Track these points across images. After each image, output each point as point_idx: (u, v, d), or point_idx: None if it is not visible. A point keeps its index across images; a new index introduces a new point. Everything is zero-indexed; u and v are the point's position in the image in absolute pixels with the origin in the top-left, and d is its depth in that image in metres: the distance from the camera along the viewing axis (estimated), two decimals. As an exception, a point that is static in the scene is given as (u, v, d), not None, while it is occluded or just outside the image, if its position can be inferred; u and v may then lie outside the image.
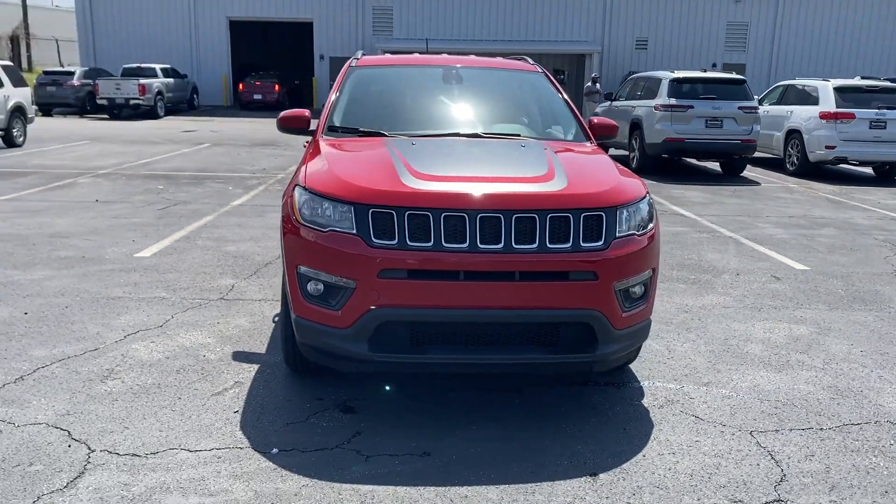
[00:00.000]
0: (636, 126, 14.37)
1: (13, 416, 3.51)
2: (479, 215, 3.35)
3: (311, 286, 3.49)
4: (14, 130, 16.22)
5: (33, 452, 3.18)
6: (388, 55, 5.46)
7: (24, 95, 16.65)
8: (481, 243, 3.33)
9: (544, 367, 3.59)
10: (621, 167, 4.09)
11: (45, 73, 28.43)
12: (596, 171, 3.89)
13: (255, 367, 4.22)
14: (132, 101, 26.37)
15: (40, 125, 20.21)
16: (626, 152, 14.94)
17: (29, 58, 42.59)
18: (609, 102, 16.63)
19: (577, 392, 4.02)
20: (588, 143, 4.60)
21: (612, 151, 15.19)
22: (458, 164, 3.86)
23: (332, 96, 4.78)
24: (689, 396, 4.00)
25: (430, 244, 3.32)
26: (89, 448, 3.23)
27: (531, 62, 5.37)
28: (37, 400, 3.70)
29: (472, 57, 5.73)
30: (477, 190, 3.41)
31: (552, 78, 5.21)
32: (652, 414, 3.78)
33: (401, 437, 3.44)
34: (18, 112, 16.41)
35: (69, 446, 3.25)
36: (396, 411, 3.72)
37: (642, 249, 3.61)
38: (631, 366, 4.35)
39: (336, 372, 3.86)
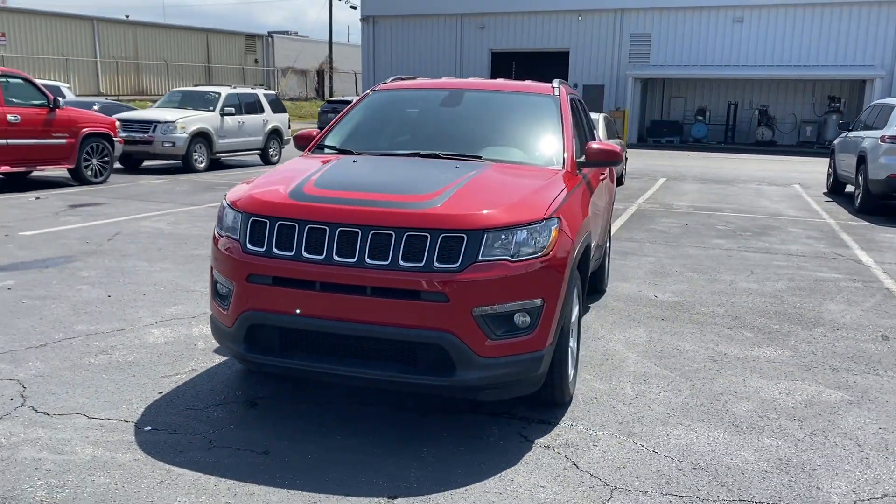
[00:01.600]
0: (861, 160, 12.68)
1: (4, 369, 4.32)
2: (339, 229, 3.46)
3: (217, 286, 3.86)
4: (270, 150, 18.81)
5: (-14, 400, 3.92)
6: (418, 80, 5.61)
7: (281, 120, 19.23)
8: (338, 256, 3.44)
9: (404, 385, 3.55)
10: (552, 192, 3.89)
11: (328, 101, 32.28)
12: (499, 195, 3.75)
13: (223, 360, 4.66)
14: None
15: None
16: (852, 188, 13.25)
17: (331, 88, 48.43)
18: (845, 133, 14.82)
19: (476, 419, 3.88)
20: (559, 168, 4.41)
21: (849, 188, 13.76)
22: (365, 182, 3.95)
23: (339, 118, 5.12)
24: (593, 443, 3.67)
25: (291, 254, 3.51)
26: (22, 402, 3.90)
27: (555, 85, 5.21)
28: (32, 362, 4.49)
29: (494, 81, 5.69)
30: (345, 205, 3.53)
31: (567, 101, 5.03)
32: (528, 453, 3.54)
33: (256, 433, 3.64)
34: (275, 134, 19.01)
35: (11, 399, 3.93)
36: (289, 411, 3.92)
37: (519, 276, 3.44)
38: (579, 404, 4.08)
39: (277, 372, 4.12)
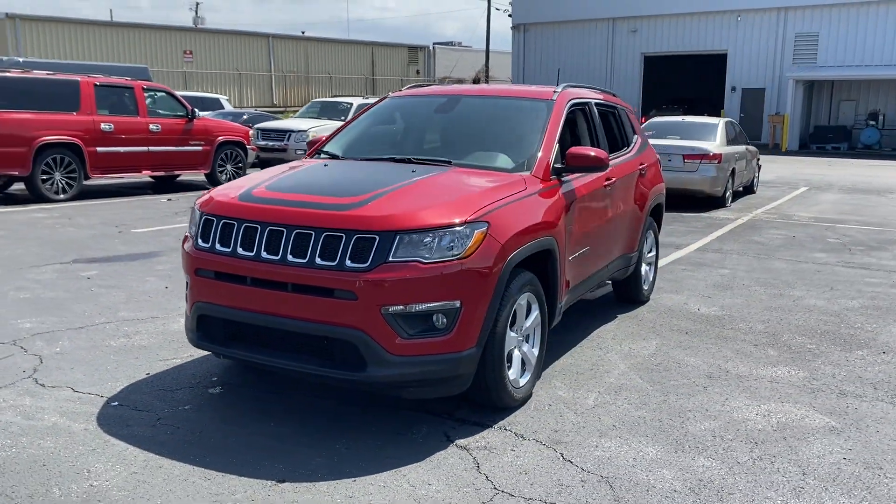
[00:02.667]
0: None
1: (35, 346, 4.94)
2: (268, 228, 3.71)
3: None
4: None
5: (6, 359, 4.51)
6: (432, 87, 5.71)
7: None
8: (265, 253, 3.68)
9: (325, 378, 3.71)
10: (490, 197, 3.91)
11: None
12: (431, 198, 3.82)
13: (223, 348, 5.03)
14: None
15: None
16: None
17: (487, 96, 49.20)
18: None
19: (413, 417, 3.96)
20: (525, 173, 4.38)
21: None
22: (310, 186, 4.12)
23: (348, 123, 5.37)
24: (511, 449, 3.65)
25: (229, 250, 3.79)
26: (31, 374, 4.45)
27: (556, 90, 5.14)
28: (63, 341, 5.09)
29: (499, 87, 5.68)
30: (277, 206, 3.76)
31: (563, 107, 4.96)
32: (440, 452, 3.59)
33: (202, 415, 3.95)
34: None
35: (23, 371, 4.51)
36: (246, 397, 4.20)
37: (431, 277, 3.51)
38: (528, 409, 4.06)
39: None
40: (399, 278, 3.48)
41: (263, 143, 16.99)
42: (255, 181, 4.23)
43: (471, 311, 3.64)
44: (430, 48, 55.46)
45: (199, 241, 3.95)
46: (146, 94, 13.23)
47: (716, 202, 13.03)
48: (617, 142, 6.06)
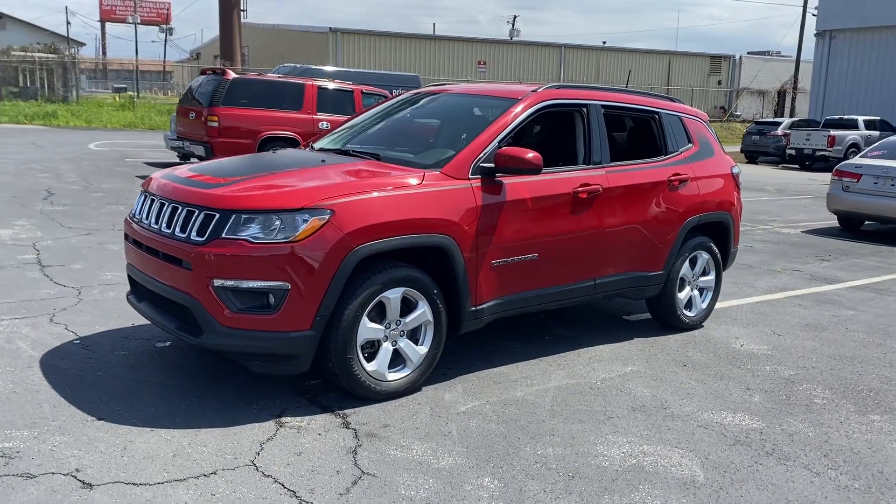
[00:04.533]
0: None
1: (76, 290, 5.97)
2: (158, 201, 4.21)
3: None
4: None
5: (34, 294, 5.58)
6: (441, 86, 5.67)
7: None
8: (153, 223, 4.18)
9: (181, 339, 4.08)
10: (350, 188, 4.02)
11: (756, 122, 30.49)
12: (289, 184, 4.04)
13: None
14: (819, 153, 26.00)
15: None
16: None
17: (792, 109, 44.94)
18: None
19: (282, 395, 4.16)
20: (434, 170, 4.33)
21: None
22: (216, 169, 4.51)
23: (354, 116, 5.69)
24: (318, 434, 3.70)
25: (136, 219, 4.37)
26: (50, 317, 5.44)
27: (532, 90, 4.91)
28: (98, 288, 6.07)
29: (485, 85, 5.47)
30: (170, 181, 4.24)
31: (526, 107, 4.74)
32: (247, 425, 3.77)
33: (120, 369, 4.47)
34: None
35: (53, 310, 5.52)
36: (176, 363, 4.73)
37: (257, 257, 3.72)
38: (390, 405, 4.08)
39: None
40: (223, 254, 3.75)
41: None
42: (196, 165, 4.75)
43: (302, 295, 3.77)
44: (736, 58, 52.17)
45: (132, 211, 4.57)
46: (364, 97, 14.58)
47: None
48: (641, 148, 5.55)
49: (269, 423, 3.82)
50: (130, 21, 63.39)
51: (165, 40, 65.42)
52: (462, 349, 5.03)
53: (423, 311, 4.21)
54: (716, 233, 5.99)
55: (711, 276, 6.01)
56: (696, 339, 5.65)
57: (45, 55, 29.98)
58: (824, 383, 4.84)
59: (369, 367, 4.08)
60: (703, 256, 5.90)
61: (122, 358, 4.64)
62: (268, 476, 3.28)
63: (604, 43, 50.23)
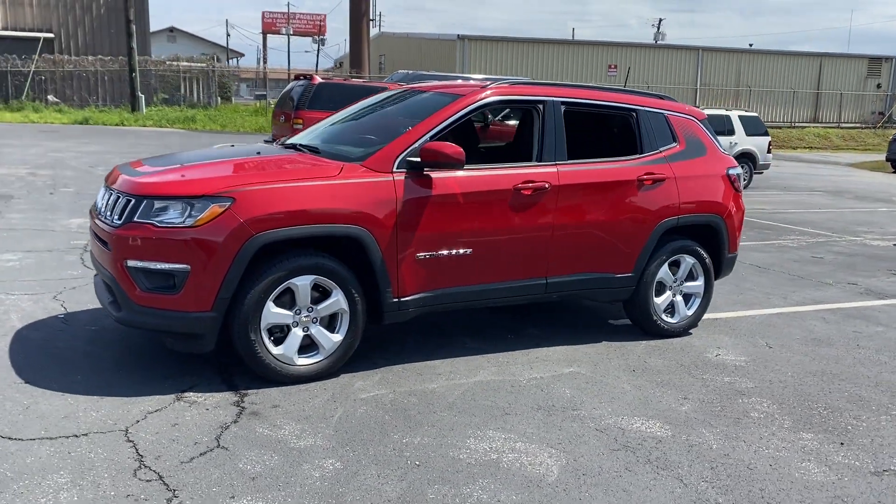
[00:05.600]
0: None
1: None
2: (107, 190, 4.58)
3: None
4: (737, 174, 18.01)
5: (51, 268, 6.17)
6: (422, 84, 5.71)
7: (756, 144, 18.25)
8: (103, 210, 4.57)
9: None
10: (258, 177, 4.22)
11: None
12: (202, 173, 4.29)
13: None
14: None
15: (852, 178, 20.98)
16: None
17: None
18: None
19: (197, 372, 4.42)
20: (355, 163, 4.45)
21: None
22: (164, 161, 4.80)
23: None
24: (205, 409, 3.91)
25: (96, 209, 4.78)
26: (55, 296, 6.01)
27: (483, 86, 4.90)
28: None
29: (460, 83, 5.44)
30: (122, 175, 4.61)
31: (466, 104, 4.76)
32: (146, 397, 4.03)
33: (79, 343, 4.94)
34: (745, 157, 18.14)
35: (62, 286, 6.11)
36: (145, 341, 5.12)
37: (159, 240, 4.00)
38: (296, 389, 4.25)
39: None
40: (129, 236, 4.05)
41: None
42: (151, 157, 5.12)
43: (202, 277, 4.00)
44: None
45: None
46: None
47: None
48: (612, 146, 5.38)
49: (170, 396, 4.08)
50: (284, 32, 67.26)
51: (318, 50, 68.82)
52: (416, 341, 5.12)
53: (336, 300, 4.33)
54: (703, 236, 5.69)
55: (699, 282, 5.70)
56: (670, 347, 5.39)
57: (189, 64, 32.46)
58: (778, 398, 4.50)
59: (276, 350, 4.25)
60: (688, 260, 5.61)
61: (91, 333, 5.08)
62: (129, 441, 3.53)
63: (750, 45, 47.79)
